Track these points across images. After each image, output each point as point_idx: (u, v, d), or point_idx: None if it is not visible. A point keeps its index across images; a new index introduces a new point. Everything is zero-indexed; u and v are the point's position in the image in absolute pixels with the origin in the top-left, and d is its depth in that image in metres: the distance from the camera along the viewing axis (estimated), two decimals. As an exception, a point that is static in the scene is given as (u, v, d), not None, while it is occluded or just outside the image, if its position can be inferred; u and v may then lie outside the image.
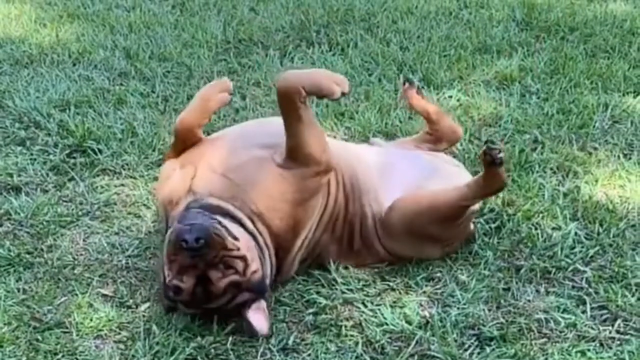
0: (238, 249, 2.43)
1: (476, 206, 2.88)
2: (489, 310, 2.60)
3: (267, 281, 2.56)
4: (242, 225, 2.55)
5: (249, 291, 2.46)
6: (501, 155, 2.60)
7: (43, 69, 4.48)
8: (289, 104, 2.62)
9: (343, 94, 2.67)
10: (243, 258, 2.44)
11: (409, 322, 2.55)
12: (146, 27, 5.10)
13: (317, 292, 2.69)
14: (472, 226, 2.93)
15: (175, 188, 2.70)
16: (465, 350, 2.45)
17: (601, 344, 2.45)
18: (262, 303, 2.50)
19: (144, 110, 3.95)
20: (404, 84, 3.20)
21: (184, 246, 2.36)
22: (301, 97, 2.61)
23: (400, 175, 2.86)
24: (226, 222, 2.50)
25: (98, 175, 3.42)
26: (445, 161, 3.09)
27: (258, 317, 2.47)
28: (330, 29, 5.00)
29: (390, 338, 2.50)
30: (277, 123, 2.70)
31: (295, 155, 2.62)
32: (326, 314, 2.61)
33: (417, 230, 2.74)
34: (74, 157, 3.53)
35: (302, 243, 2.69)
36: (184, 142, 2.84)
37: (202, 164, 2.69)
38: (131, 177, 3.40)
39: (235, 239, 2.46)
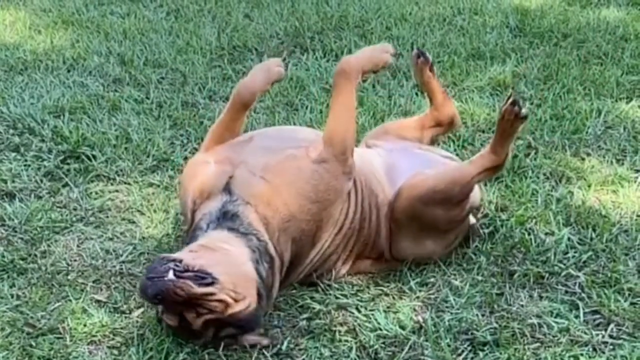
0: (212, 294, 2.37)
1: (477, 197, 2.92)
2: (483, 315, 2.61)
3: (261, 314, 2.51)
4: (267, 251, 2.55)
5: (233, 326, 2.45)
6: (524, 110, 2.70)
7: (37, 75, 4.49)
8: (346, 83, 2.74)
9: (394, 56, 2.89)
10: (221, 301, 2.38)
11: (403, 327, 2.56)
12: (141, 34, 5.10)
13: (311, 297, 2.70)
14: (473, 219, 2.96)
15: (209, 181, 2.70)
16: (459, 355, 2.45)
17: (594, 349, 2.46)
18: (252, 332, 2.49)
19: (138, 117, 3.95)
20: (418, 57, 3.18)
21: (145, 298, 2.42)
22: (358, 79, 2.78)
23: (405, 174, 2.86)
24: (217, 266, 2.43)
25: (92, 181, 3.42)
26: (438, 153, 3.12)
27: (252, 338, 2.48)
28: (324, 35, 5.02)
29: (384, 343, 2.51)
30: (307, 131, 2.92)
31: (332, 140, 2.68)
32: (320, 319, 2.61)
33: (423, 214, 2.75)
34: (68, 163, 3.53)
35: (314, 257, 2.71)
36: (241, 110, 2.89)
37: (241, 164, 2.70)
38: (125, 183, 3.41)
39: (212, 284, 2.37)
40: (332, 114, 2.76)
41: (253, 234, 2.56)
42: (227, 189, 2.64)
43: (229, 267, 2.46)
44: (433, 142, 3.24)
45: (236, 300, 2.41)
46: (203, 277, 2.38)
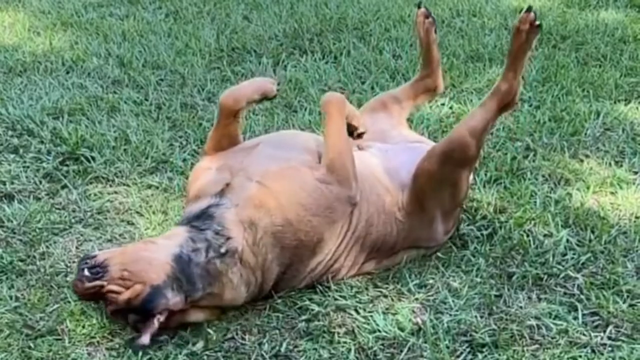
0: (101, 287, 2.48)
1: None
2: (481, 316, 2.61)
3: (160, 300, 2.47)
4: (224, 244, 2.55)
5: (134, 313, 2.49)
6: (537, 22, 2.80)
7: (36, 76, 4.49)
8: (335, 111, 2.79)
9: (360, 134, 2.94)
10: (112, 292, 2.47)
11: (402, 329, 2.56)
12: (140, 36, 5.11)
13: (310, 299, 2.70)
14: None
15: (205, 186, 2.73)
16: (457, 357, 2.45)
17: (593, 350, 2.46)
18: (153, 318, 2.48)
19: (137, 118, 3.95)
20: (426, 17, 3.21)
21: None
22: (345, 110, 2.82)
23: (405, 171, 2.89)
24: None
25: (91, 183, 3.42)
26: (427, 142, 3.17)
27: (144, 329, 2.48)
28: (323, 37, 5.02)
29: (382, 345, 2.51)
30: (305, 137, 2.89)
31: (333, 167, 2.69)
32: (319, 320, 2.61)
33: (448, 176, 2.81)
34: (67, 165, 3.54)
35: (317, 266, 2.71)
36: (229, 116, 2.88)
37: (240, 172, 2.71)
38: (124, 184, 3.41)
39: (101, 277, 2.48)
40: (328, 142, 2.76)
41: (213, 230, 2.57)
42: (220, 194, 2.66)
43: (129, 256, 2.53)
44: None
45: (126, 288, 2.46)
46: (98, 271, 2.49)
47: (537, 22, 2.80)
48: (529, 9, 2.80)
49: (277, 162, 2.72)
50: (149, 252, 2.54)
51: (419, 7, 3.24)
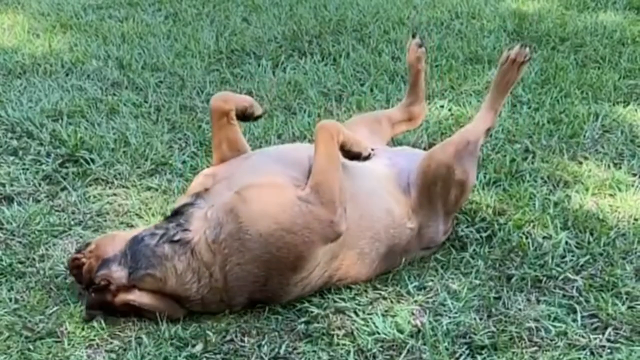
0: (78, 259, 2.72)
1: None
2: (480, 319, 2.61)
3: (102, 270, 2.62)
4: (179, 233, 2.60)
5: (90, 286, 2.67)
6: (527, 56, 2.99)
7: (36, 79, 4.49)
8: (328, 137, 2.76)
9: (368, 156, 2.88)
10: (82, 264, 2.70)
11: (401, 331, 2.56)
12: (139, 38, 5.11)
13: (309, 301, 2.70)
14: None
15: (189, 190, 2.83)
16: (457, 359, 2.45)
17: (592, 353, 2.46)
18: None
19: (137, 120, 3.95)
20: (419, 46, 3.27)
21: None
22: (338, 137, 2.77)
23: (408, 173, 2.92)
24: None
25: (90, 185, 3.42)
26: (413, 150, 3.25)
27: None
28: (322, 39, 5.03)
29: (382, 347, 2.51)
30: (306, 152, 2.83)
31: (318, 187, 2.67)
32: (318, 322, 2.61)
33: (456, 169, 2.87)
34: (67, 167, 3.54)
35: (302, 281, 2.67)
36: (220, 117, 2.92)
37: (223, 180, 2.75)
38: (123, 186, 3.41)
39: (80, 251, 2.76)
40: (316, 165, 2.72)
41: (177, 222, 2.64)
42: (197, 195, 2.71)
43: (104, 235, 2.85)
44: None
45: (88, 259, 2.68)
46: (81, 248, 2.76)
47: (529, 56, 3.02)
48: (527, 45, 2.99)
49: (263, 175, 2.73)
50: (119, 232, 2.78)
51: (413, 37, 3.30)
